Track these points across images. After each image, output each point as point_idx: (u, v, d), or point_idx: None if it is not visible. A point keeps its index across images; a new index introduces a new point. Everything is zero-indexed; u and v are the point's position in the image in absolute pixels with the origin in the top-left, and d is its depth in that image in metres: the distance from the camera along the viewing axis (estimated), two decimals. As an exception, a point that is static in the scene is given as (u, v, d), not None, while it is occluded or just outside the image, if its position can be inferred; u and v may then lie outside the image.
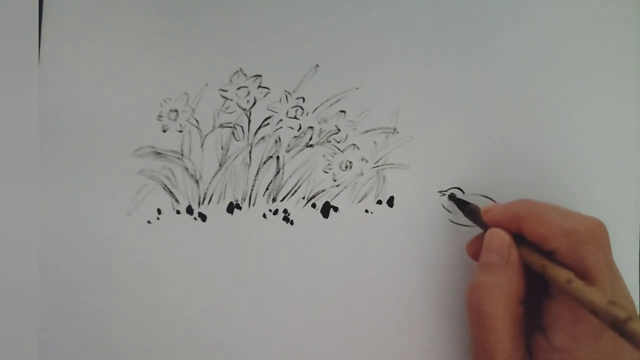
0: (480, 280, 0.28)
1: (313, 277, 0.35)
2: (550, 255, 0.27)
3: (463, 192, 0.35)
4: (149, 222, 0.36)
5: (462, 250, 0.35)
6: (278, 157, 0.36)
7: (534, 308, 0.29)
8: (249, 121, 0.36)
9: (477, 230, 0.33)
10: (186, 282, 0.35)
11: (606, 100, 0.36)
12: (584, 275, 0.26)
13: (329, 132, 0.36)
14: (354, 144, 0.36)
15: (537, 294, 0.29)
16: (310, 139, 0.36)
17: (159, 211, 0.36)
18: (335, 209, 0.36)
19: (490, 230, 0.30)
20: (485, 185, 0.35)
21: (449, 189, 0.35)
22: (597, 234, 0.27)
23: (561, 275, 0.26)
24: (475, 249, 0.32)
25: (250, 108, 0.36)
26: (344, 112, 0.36)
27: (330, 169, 0.36)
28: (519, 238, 0.29)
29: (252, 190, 0.36)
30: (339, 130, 0.36)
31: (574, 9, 0.36)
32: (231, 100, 0.36)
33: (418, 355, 0.34)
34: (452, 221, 0.35)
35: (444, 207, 0.35)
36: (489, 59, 0.36)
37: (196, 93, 0.37)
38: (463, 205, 0.34)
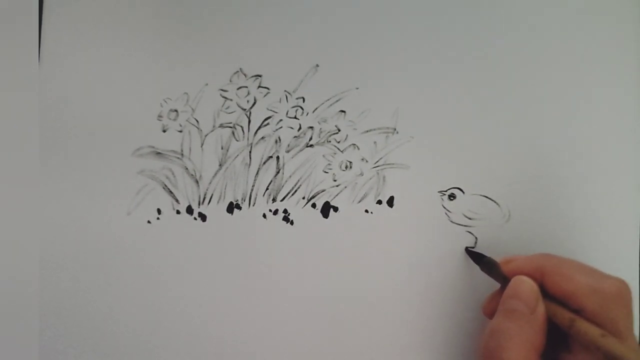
0: (502, 326, 0.28)
1: (313, 276, 0.35)
2: (575, 312, 0.27)
3: (463, 192, 0.35)
4: (149, 222, 0.36)
5: (462, 250, 0.35)
6: (278, 157, 0.36)
7: None
8: (249, 121, 0.36)
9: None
10: (186, 282, 0.35)
11: (606, 100, 0.36)
12: (613, 334, 0.26)
13: (329, 132, 0.36)
14: (354, 144, 0.36)
15: (552, 347, 0.28)
16: (310, 139, 0.36)
17: (159, 211, 0.36)
18: (335, 209, 0.36)
19: (518, 278, 0.29)
20: (485, 185, 0.35)
21: (449, 189, 0.35)
22: (624, 293, 0.27)
23: (593, 330, 0.26)
24: (494, 307, 0.31)
25: (250, 108, 0.36)
26: (344, 112, 0.36)
27: (330, 169, 0.36)
28: (541, 291, 0.29)
29: (252, 190, 0.36)
30: (339, 130, 0.36)
31: (575, 9, 0.36)
32: (231, 100, 0.36)
33: (417, 354, 0.34)
34: (452, 221, 0.35)
35: (444, 207, 0.35)
36: (489, 59, 0.36)
37: (196, 93, 0.37)
38: (479, 259, 0.33)
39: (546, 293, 0.28)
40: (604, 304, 0.27)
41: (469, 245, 0.35)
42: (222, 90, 0.36)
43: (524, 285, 0.29)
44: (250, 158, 0.36)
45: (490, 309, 0.32)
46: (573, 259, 0.29)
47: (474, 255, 0.34)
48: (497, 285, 0.32)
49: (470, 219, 0.35)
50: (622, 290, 0.27)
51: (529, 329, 0.27)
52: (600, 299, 0.27)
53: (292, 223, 0.36)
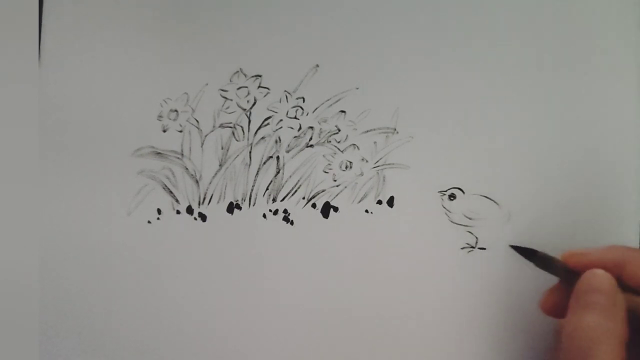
0: (591, 321, 0.27)
1: (313, 277, 0.35)
2: None
3: (463, 192, 0.35)
4: (149, 222, 0.36)
5: (462, 250, 0.35)
6: (278, 157, 0.36)
7: (630, 356, 0.27)
8: (249, 121, 0.36)
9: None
10: (186, 282, 0.35)
11: (606, 100, 0.36)
12: None
13: (329, 132, 0.36)
14: (354, 144, 0.36)
15: (632, 341, 0.28)
16: (310, 139, 0.36)
17: (159, 211, 0.36)
18: (335, 209, 0.36)
19: (592, 271, 0.28)
20: (485, 185, 0.35)
21: (449, 189, 0.35)
22: None
23: None
24: (554, 302, 0.30)
25: (250, 108, 0.36)
26: (344, 112, 0.36)
27: (330, 169, 0.36)
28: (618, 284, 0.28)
29: (252, 190, 0.36)
30: (339, 130, 0.36)
31: (575, 9, 0.36)
32: (231, 100, 0.36)
33: (417, 354, 0.34)
34: (452, 221, 0.35)
35: (444, 207, 0.35)
36: (489, 59, 0.36)
37: (196, 93, 0.37)
38: (531, 254, 0.32)
39: (623, 285, 0.28)
40: None
41: (469, 245, 0.35)
42: (222, 90, 0.36)
43: (601, 278, 0.28)
44: (250, 158, 0.36)
45: (549, 305, 0.31)
46: None
47: (523, 251, 0.32)
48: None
49: (470, 219, 0.35)
50: None
51: (614, 322, 0.27)
52: None
53: (292, 223, 0.36)
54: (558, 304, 0.30)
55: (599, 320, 0.27)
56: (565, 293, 0.29)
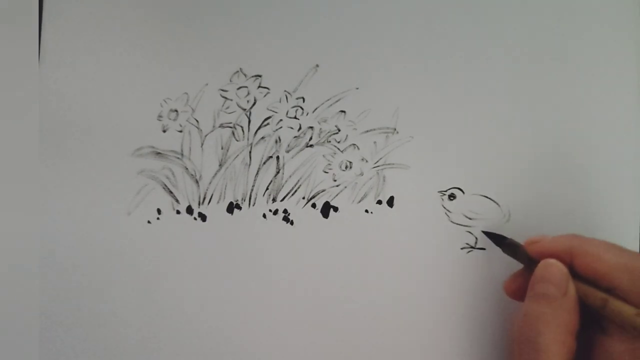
0: (536, 311, 0.28)
1: (313, 277, 0.35)
2: (606, 292, 0.27)
3: (463, 192, 0.35)
4: (149, 222, 0.36)
5: (462, 250, 0.35)
6: (278, 157, 0.36)
7: (583, 343, 0.28)
8: (249, 121, 0.36)
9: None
10: (186, 282, 0.35)
11: (606, 100, 0.36)
12: None
13: (329, 132, 0.36)
14: (354, 144, 0.36)
15: (586, 329, 0.28)
16: (310, 139, 0.36)
17: (159, 211, 0.36)
18: (335, 209, 0.36)
19: (545, 261, 0.29)
20: (485, 185, 0.35)
21: (449, 189, 0.35)
22: None
23: (627, 309, 0.26)
24: (517, 287, 0.31)
25: (250, 108, 0.36)
26: (344, 112, 0.36)
27: (330, 169, 0.36)
28: (570, 272, 0.29)
29: (252, 190, 0.36)
30: (339, 130, 0.36)
31: (575, 9, 0.36)
32: (231, 100, 0.36)
33: (418, 354, 0.34)
34: (452, 221, 0.35)
35: (444, 207, 0.35)
36: (489, 60, 0.36)
37: (196, 93, 0.37)
38: (500, 240, 0.33)
39: (575, 274, 0.28)
40: (637, 282, 0.26)
41: (468, 244, 0.35)
42: (222, 90, 0.37)
43: (553, 269, 0.28)
44: (250, 158, 0.36)
45: (513, 288, 0.31)
46: (600, 239, 0.29)
47: (494, 237, 0.33)
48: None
49: (470, 219, 0.35)
50: None
51: (562, 312, 0.27)
52: (632, 276, 0.26)
53: (292, 223, 0.36)
54: (520, 288, 0.30)
55: (545, 310, 0.27)
56: (527, 279, 0.30)
